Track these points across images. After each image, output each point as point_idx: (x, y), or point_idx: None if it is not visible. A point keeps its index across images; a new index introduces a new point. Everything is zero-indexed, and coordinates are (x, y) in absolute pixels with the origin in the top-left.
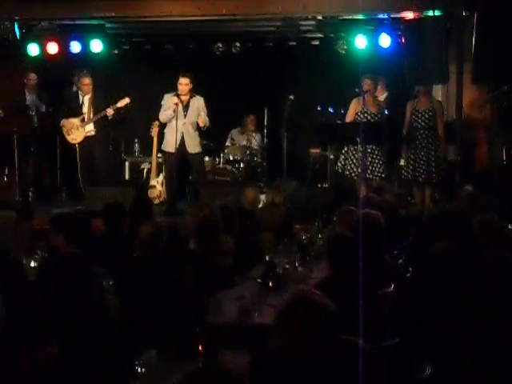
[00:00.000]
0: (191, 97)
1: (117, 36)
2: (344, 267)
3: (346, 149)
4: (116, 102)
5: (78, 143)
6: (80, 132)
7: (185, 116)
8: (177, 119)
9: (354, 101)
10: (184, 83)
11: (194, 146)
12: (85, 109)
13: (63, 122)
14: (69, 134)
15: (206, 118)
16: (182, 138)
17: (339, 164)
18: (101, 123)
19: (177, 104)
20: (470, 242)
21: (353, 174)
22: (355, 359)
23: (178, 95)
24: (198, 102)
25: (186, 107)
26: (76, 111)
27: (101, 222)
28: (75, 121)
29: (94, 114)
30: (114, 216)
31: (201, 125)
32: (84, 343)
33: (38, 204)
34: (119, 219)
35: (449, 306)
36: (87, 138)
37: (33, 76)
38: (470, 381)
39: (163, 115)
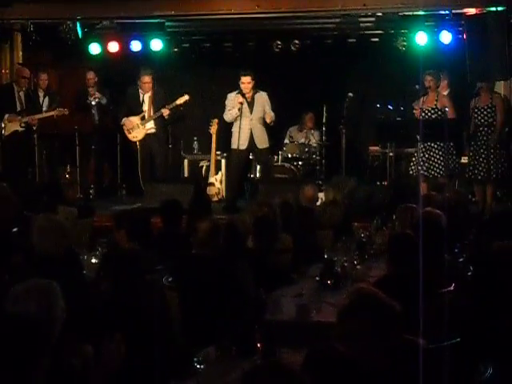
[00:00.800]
0: (255, 92)
1: (177, 34)
2: (404, 266)
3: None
4: (174, 101)
5: (139, 141)
6: (141, 130)
7: (251, 112)
8: (241, 117)
9: (419, 99)
10: (246, 82)
11: (262, 141)
12: (145, 107)
13: (124, 120)
14: (130, 133)
15: (272, 113)
16: (251, 134)
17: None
18: (160, 121)
19: (241, 103)
20: None
21: (414, 172)
22: (416, 359)
23: (242, 94)
24: (262, 97)
25: (251, 104)
26: (136, 109)
27: (159, 219)
28: (135, 119)
29: (154, 112)
30: (172, 213)
31: (268, 121)
32: (143, 339)
33: (99, 201)
34: (177, 216)
35: (510, 306)
36: (147, 136)
37: (92, 74)
38: None
39: (228, 115)
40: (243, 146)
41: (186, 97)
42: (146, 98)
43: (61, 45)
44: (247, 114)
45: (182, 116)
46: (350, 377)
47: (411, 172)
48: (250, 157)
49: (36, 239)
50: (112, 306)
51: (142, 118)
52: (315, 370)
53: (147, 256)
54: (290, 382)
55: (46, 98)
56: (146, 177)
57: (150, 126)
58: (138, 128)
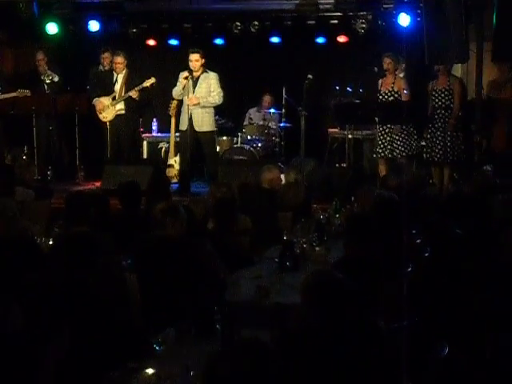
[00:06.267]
0: (202, 72)
1: (135, 15)
2: (362, 247)
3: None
4: (141, 83)
5: (109, 121)
6: (111, 110)
7: (193, 92)
8: (184, 97)
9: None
10: (194, 59)
11: (202, 124)
12: (117, 87)
13: (95, 101)
14: (100, 113)
15: (213, 99)
16: (191, 115)
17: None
18: (130, 102)
19: (186, 78)
20: (488, 222)
21: (378, 155)
22: (374, 339)
23: (190, 71)
24: (209, 78)
25: (194, 83)
26: (109, 90)
27: (117, 201)
28: (106, 99)
29: (126, 93)
30: (130, 195)
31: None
32: (101, 322)
33: (57, 183)
34: (135, 198)
35: (467, 286)
36: (117, 117)
37: (41, 55)
38: (488, 361)
39: (174, 90)
40: (185, 126)
41: (153, 79)
42: (119, 78)
43: (17, 24)
44: (190, 95)
45: (149, 98)
46: (316, 353)
47: (375, 155)
48: None
49: None
50: (66, 289)
51: (113, 99)
52: (283, 350)
53: (102, 238)
54: (262, 361)
55: None
56: (112, 158)
57: (120, 107)
58: (109, 108)
